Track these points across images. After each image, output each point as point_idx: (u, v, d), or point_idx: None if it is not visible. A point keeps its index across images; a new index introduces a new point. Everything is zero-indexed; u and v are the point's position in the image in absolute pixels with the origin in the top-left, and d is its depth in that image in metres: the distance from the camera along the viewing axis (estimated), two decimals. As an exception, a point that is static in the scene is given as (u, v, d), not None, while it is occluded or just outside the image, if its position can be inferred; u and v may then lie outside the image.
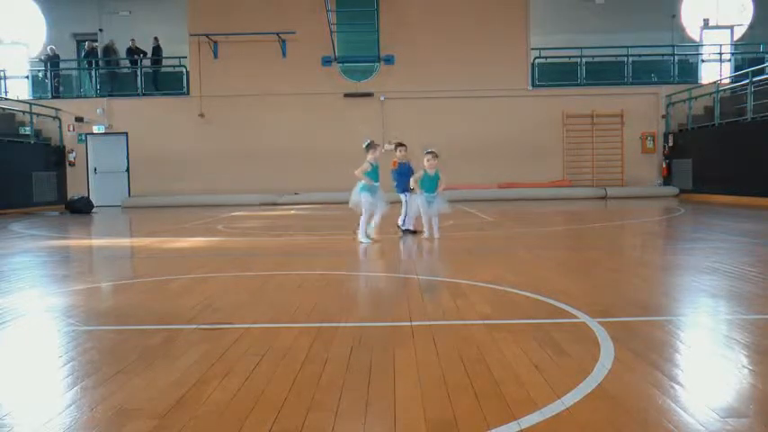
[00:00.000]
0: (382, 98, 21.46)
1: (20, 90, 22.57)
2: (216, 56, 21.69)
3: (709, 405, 2.51)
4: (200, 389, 2.79)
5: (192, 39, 21.56)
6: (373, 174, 8.73)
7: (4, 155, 18.13)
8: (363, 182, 8.72)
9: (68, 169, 22.05)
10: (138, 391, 2.79)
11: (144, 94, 22.39)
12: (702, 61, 22.76)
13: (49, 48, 22.81)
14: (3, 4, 23.76)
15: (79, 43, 24.69)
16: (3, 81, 22.83)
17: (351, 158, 20.65)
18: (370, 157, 8.75)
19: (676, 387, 2.74)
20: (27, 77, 22.89)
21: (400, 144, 9.48)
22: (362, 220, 8.81)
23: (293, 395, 2.69)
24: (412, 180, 9.15)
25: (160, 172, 21.56)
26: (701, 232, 10.04)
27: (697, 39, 23.16)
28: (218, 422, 2.43)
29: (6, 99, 21.39)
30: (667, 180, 21.09)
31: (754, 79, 16.76)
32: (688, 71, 22.46)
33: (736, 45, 23.07)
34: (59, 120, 21.89)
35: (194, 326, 4.01)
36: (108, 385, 2.88)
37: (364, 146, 8.90)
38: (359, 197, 8.74)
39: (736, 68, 21.67)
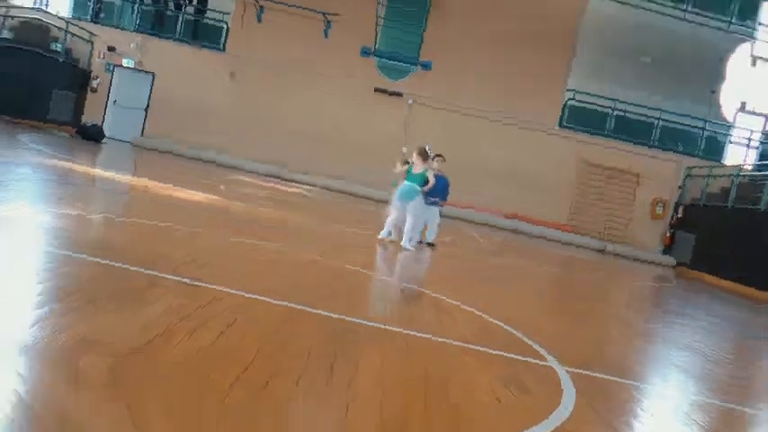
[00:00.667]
0: (410, 101, 21.46)
1: (61, 6, 22.58)
2: (259, 20, 21.69)
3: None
4: (168, 338, 2.79)
5: (240, -2, 21.57)
6: (420, 180, 8.45)
7: (29, 65, 18.14)
8: (417, 187, 8.38)
9: (89, 95, 22.05)
10: (104, 327, 2.79)
11: (180, 40, 22.40)
12: (730, 142, 22.79)
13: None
14: None
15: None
16: (47, -6, 22.84)
17: (367, 151, 20.90)
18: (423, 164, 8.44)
19: (628, 452, 2.73)
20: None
21: (438, 155, 9.13)
22: (412, 227, 8.49)
23: (260, 359, 2.70)
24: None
25: (177, 119, 21.55)
26: (689, 308, 10.04)
27: (730, 119, 23.19)
28: (179, 371, 2.43)
29: (45, 12, 21.39)
30: (667, 249, 21.10)
31: (777, 172, 16.77)
32: (714, 148, 22.49)
33: (766, 134, 23.10)
34: (92, 44, 21.90)
35: (176, 277, 4.01)
36: (76, 314, 2.87)
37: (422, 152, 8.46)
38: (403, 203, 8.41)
39: (762, 157, 21.69)
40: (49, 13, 21.44)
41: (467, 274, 7.75)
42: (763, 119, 23.07)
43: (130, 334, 2.76)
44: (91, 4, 22.62)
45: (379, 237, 8.53)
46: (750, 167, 20.56)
